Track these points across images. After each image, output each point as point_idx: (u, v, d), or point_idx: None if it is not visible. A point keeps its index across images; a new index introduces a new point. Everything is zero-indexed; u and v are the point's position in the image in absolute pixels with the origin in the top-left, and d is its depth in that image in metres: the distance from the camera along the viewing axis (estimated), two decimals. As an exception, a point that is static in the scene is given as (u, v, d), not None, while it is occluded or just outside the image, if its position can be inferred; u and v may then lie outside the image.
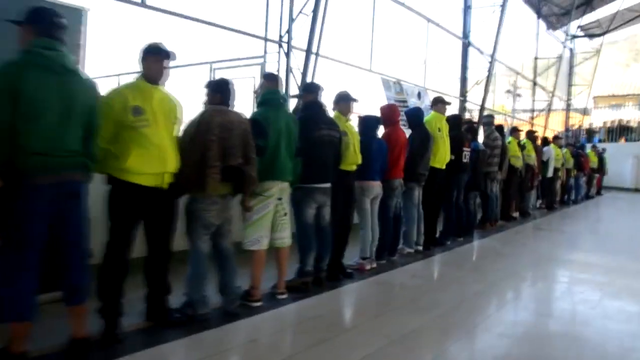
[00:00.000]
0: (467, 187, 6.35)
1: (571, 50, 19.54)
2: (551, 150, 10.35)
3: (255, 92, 4.43)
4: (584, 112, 20.15)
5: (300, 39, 6.90)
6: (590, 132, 19.80)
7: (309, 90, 3.88)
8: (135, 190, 2.60)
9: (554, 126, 20.89)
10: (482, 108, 10.87)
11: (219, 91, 3.08)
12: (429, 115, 5.65)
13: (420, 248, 5.36)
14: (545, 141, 10.67)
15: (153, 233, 2.82)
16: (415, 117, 5.32)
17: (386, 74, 8.15)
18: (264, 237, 3.38)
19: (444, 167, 5.57)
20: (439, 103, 5.66)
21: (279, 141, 3.37)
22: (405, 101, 8.24)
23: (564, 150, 11.83)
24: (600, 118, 22.44)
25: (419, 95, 8.93)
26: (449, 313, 3.50)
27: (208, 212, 2.99)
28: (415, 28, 9.49)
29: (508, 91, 24.18)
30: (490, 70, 10.75)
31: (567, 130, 19.66)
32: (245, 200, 3.29)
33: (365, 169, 4.40)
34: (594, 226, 9.54)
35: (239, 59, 6.45)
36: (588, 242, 7.40)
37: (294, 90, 6.11)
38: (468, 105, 10.90)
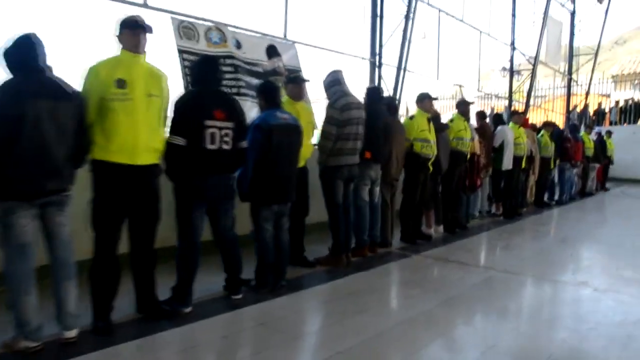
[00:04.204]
0: (255, 197, 3.38)
1: (572, 13, 15.95)
2: (507, 132, 7.11)
3: None
4: (588, 89, 16.44)
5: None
6: (600, 114, 16.18)
7: None
8: None
9: (560, 110, 17.26)
10: (399, 70, 7.57)
11: None
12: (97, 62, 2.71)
13: (72, 334, 2.44)
14: (498, 118, 7.46)
15: None
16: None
17: (193, 14, 5.03)
18: None
19: (135, 161, 2.66)
20: (124, 29, 2.72)
21: None
22: (232, 57, 5.16)
23: (541, 132, 8.57)
24: (619, 98, 18.76)
25: (269, 50, 5.71)
26: None
27: None
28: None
29: (503, 68, 20.84)
30: (409, 16, 7.42)
31: (569, 111, 16.04)
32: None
33: None
34: (560, 254, 5.23)
35: None
36: (511, 311, 3.51)
37: None
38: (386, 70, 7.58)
